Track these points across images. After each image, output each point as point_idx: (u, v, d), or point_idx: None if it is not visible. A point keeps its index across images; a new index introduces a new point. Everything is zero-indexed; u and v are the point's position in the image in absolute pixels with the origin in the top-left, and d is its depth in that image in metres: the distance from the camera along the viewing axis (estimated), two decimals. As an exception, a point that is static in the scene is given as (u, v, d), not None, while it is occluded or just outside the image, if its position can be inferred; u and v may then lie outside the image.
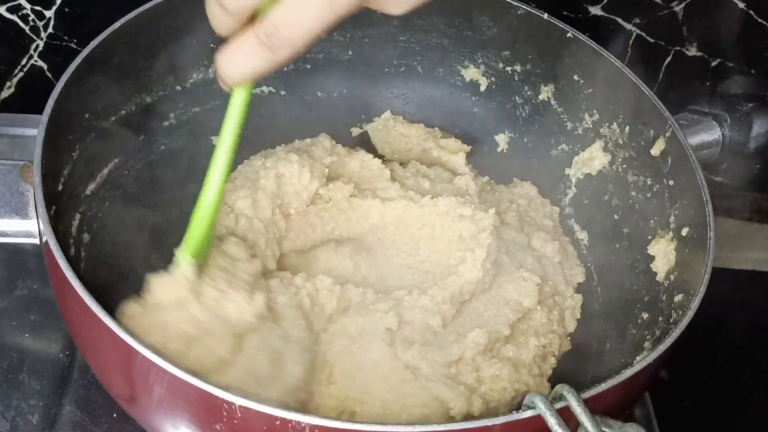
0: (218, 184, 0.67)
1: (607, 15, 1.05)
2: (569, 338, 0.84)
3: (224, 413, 0.57)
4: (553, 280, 0.87)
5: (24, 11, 0.99)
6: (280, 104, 0.97)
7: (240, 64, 0.58)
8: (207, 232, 0.69)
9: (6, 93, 1.06)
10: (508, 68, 0.96)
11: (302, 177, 0.85)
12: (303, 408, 0.71)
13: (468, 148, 0.98)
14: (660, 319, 0.76)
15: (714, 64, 1.08)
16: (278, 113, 0.97)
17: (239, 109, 0.63)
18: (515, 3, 0.90)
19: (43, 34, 1.01)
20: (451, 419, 0.71)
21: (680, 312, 0.72)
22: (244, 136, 0.65)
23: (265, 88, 0.96)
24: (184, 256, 0.68)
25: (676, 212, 0.80)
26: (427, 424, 0.56)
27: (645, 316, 0.80)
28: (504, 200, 0.93)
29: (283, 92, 0.97)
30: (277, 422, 0.56)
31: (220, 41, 0.90)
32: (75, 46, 1.02)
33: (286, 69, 0.96)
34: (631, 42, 1.07)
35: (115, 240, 0.82)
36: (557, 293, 0.86)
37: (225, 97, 0.93)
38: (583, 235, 0.92)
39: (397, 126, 0.98)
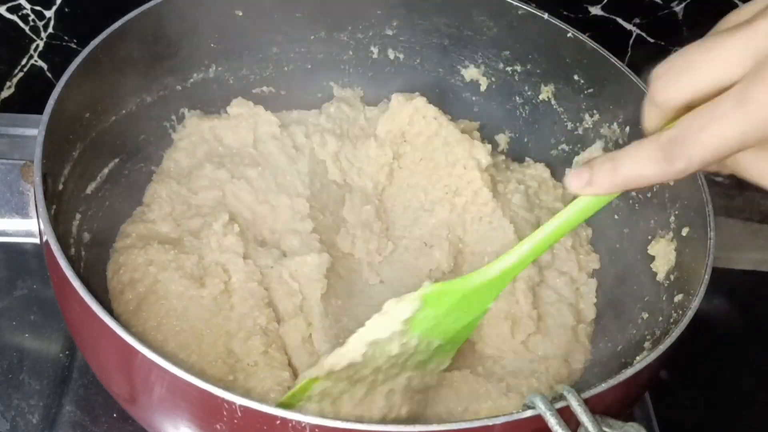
0: (509, 263, 0.62)
1: (607, 15, 1.05)
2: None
3: (224, 413, 0.57)
4: (567, 266, 0.87)
5: (24, 11, 0.99)
6: (280, 104, 0.97)
7: (635, 170, 0.51)
8: (460, 296, 0.63)
9: (6, 93, 1.06)
10: (509, 68, 0.96)
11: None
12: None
13: (477, 124, 0.98)
14: (660, 319, 0.76)
15: (714, 64, 1.08)
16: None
17: (574, 216, 0.58)
18: (515, 3, 0.90)
19: (43, 34, 1.01)
20: None
21: (680, 312, 0.72)
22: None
23: (265, 88, 0.96)
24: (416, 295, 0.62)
25: (676, 212, 0.80)
26: (427, 424, 0.56)
27: (645, 316, 0.80)
28: (513, 180, 0.93)
29: (283, 92, 0.97)
30: (277, 422, 0.56)
31: (221, 41, 0.90)
32: (75, 46, 1.02)
33: (286, 69, 0.96)
34: (631, 42, 1.07)
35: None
36: (573, 281, 0.86)
37: (225, 98, 0.94)
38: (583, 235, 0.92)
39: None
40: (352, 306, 0.81)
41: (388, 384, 0.65)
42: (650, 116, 0.53)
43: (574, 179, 0.55)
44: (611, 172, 0.52)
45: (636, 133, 0.85)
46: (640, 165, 0.51)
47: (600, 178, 0.53)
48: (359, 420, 0.64)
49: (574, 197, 0.58)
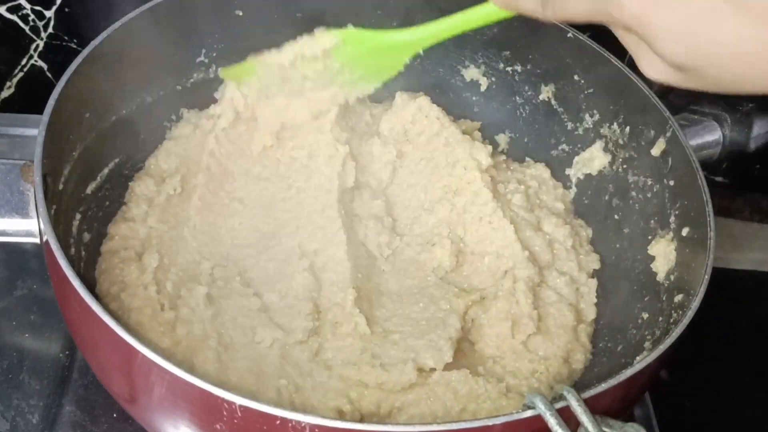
0: (424, 32, 0.75)
1: (607, 15, 1.05)
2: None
3: (224, 413, 0.57)
4: (567, 266, 0.86)
5: (24, 11, 0.99)
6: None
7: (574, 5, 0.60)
8: (375, 45, 0.78)
9: (6, 93, 1.06)
10: (509, 68, 0.96)
11: None
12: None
13: (477, 124, 0.99)
14: (660, 319, 0.76)
15: (714, 64, 1.08)
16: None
17: (476, 12, 0.70)
18: (515, 3, 0.90)
19: (43, 34, 1.01)
20: None
21: (680, 312, 0.72)
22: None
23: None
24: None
25: (677, 212, 0.80)
26: (427, 424, 0.57)
27: (645, 316, 0.80)
28: (513, 180, 0.93)
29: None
30: (277, 422, 0.56)
31: (221, 41, 0.90)
32: (75, 46, 1.02)
33: (286, 69, 0.97)
34: (631, 42, 1.07)
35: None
36: (573, 281, 0.86)
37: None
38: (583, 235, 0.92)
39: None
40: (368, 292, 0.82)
41: (316, 92, 0.82)
42: None
43: None
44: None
45: (636, 133, 0.86)
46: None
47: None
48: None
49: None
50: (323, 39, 0.79)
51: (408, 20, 0.95)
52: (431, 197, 0.89)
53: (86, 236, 0.79)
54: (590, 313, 0.84)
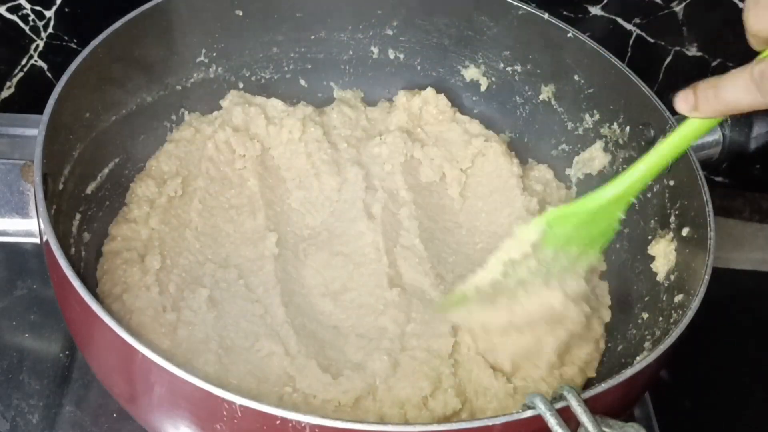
0: (628, 182, 0.70)
1: (607, 15, 1.05)
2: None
3: (224, 413, 0.57)
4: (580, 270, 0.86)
5: (24, 11, 0.99)
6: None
7: (734, 96, 0.59)
8: (584, 215, 0.72)
9: (6, 93, 1.06)
10: (509, 68, 0.96)
11: None
12: None
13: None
14: (660, 319, 0.76)
15: (714, 64, 1.08)
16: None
17: (684, 138, 0.65)
18: (515, 3, 0.90)
19: (43, 34, 1.01)
20: None
21: (680, 312, 0.72)
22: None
23: (265, 87, 0.96)
24: (542, 217, 0.73)
25: (677, 212, 0.80)
26: (427, 424, 0.56)
27: (645, 316, 0.80)
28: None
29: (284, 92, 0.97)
30: (277, 422, 0.56)
31: (221, 41, 0.90)
32: (75, 46, 1.02)
33: (286, 69, 0.96)
34: (631, 42, 1.07)
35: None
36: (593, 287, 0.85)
37: (223, 97, 0.94)
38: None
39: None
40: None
41: (539, 291, 0.73)
42: (751, 42, 0.60)
43: (681, 102, 0.62)
44: (714, 98, 0.60)
45: (636, 132, 0.86)
46: (737, 93, 0.58)
47: (703, 103, 0.61)
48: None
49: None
50: (529, 234, 0.73)
51: (408, 20, 0.95)
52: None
53: (86, 236, 0.79)
54: (606, 316, 0.84)
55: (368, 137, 0.94)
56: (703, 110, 0.61)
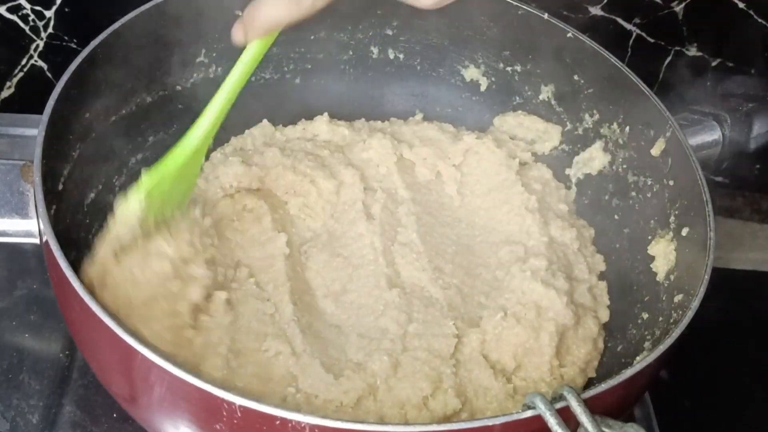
0: (204, 130, 0.70)
1: (607, 15, 1.05)
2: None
3: (224, 413, 0.57)
4: (577, 269, 0.86)
5: (24, 11, 0.99)
6: (282, 104, 0.97)
7: (268, 12, 0.64)
8: (174, 174, 0.71)
9: (6, 93, 1.06)
10: (509, 68, 0.96)
11: None
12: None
13: None
14: (660, 319, 0.76)
15: (714, 64, 1.08)
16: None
17: (247, 64, 0.68)
18: (515, 3, 0.90)
19: (43, 34, 1.01)
20: None
21: (680, 312, 0.72)
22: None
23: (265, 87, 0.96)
24: (138, 191, 0.69)
25: (676, 212, 0.80)
26: (427, 424, 0.56)
27: (645, 316, 0.80)
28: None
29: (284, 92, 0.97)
30: (277, 422, 0.56)
31: (221, 41, 0.90)
32: (75, 46, 1.02)
33: (286, 68, 0.96)
34: (631, 42, 1.07)
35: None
36: (583, 281, 0.85)
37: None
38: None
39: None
40: None
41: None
42: None
43: (236, 33, 0.68)
44: (257, 19, 0.65)
45: (636, 133, 0.86)
46: (274, 8, 0.64)
47: (250, 27, 0.66)
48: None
49: None
50: (130, 211, 0.69)
51: (408, 21, 0.95)
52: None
53: (87, 237, 0.79)
54: (604, 316, 0.84)
55: (351, 143, 0.93)
56: (253, 34, 0.66)
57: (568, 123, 0.94)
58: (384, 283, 0.80)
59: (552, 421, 0.56)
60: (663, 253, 0.81)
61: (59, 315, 0.72)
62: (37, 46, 1.02)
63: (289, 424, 0.56)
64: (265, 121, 0.94)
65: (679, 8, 1.04)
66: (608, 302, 0.85)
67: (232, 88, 0.71)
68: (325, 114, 0.95)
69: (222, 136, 0.90)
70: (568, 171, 0.95)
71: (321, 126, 0.94)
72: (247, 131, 0.93)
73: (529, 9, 0.90)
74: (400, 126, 0.97)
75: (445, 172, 0.92)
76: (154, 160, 0.88)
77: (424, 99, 1.00)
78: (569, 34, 0.89)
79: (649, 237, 0.83)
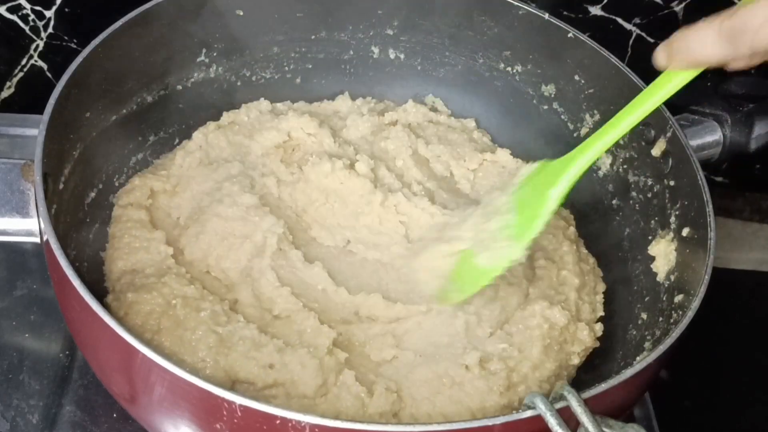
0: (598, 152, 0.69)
1: (607, 15, 1.05)
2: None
3: (224, 412, 0.57)
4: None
5: (24, 11, 0.99)
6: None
7: (700, 51, 0.60)
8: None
9: (6, 93, 1.06)
10: (509, 68, 0.96)
11: None
12: None
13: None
14: (660, 319, 0.76)
15: (714, 64, 1.08)
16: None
17: (662, 93, 0.65)
18: (516, 3, 0.90)
19: (43, 34, 1.01)
20: None
21: (680, 312, 0.72)
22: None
23: (265, 87, 0.96)
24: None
25: (677, 213, 0.80)
26: (426, 424, 0.56)
27: (645, 316, 0.80)
28: None
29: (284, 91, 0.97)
30: (277, 421, 0.56)
31: (221, 41, 0.90)
32: (75, 46, 1.03)
33: (286, 68, 0.97)
34: (631, 42, 1.07)
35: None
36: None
37: (226, 98, 0.94)
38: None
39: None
40: None
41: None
42: None
43: (659, 54, 0.63)
44: (684, 50, 0.60)
45: (637, 133, 0.86)
46: (707, 46, 0.59)
47: (676, 56, 0.61)
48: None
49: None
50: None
51: (409, 20, 0.95)
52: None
53: (87, 236, 0.79)
54: (600, 309, 0.85)
55: (377, 130, 0.94)
56: (677, 64, 0.62)
57: (568, 123, 0.94)
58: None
59: (552, 421, 0.56)
60: (663, 254, 0.81)
61: (59, 315, 0.73)
62: (37, 46, 1.02)
63: (289, 424, 0.56)
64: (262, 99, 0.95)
65: (679, 8, 1.04)
66: (602, 299, 0.85)
67: (644, 110, 0.68)
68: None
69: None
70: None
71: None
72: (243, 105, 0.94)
73: (529, 9, 0.90)
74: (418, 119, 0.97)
75: (457, 172, 0.92)
76: (154, 160, 0.89)
77: (424, 99, 1.01)
78: (569, 34, 0.89)
79: (650, 237, 0.83)
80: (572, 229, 0.90)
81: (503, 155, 0.93)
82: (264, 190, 0.85)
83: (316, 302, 0.78)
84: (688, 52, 0.60)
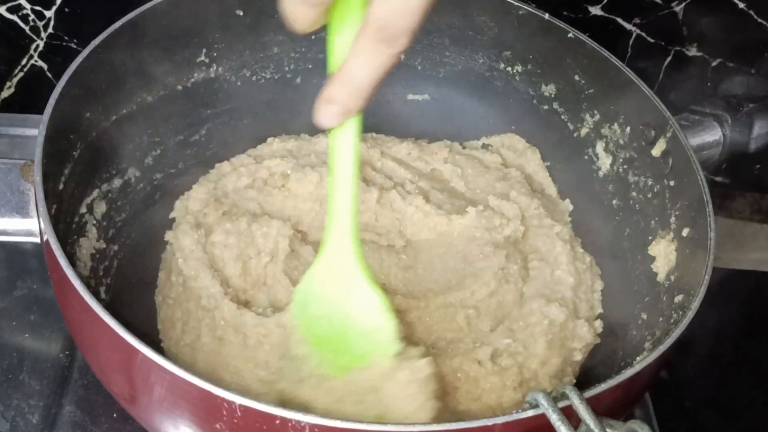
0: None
1: (607, 15, 1.05)
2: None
3: (224, 412, 0.57)
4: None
5: (24, 11, 0.99)
6: (281, 105, 0.97)
7: (364, 70, 0.52)
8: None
9: (6, 93, 1.06)
10: (509, 68, 0.96)
11: None
12: None
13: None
14: (660, 319, 0.76)
15: (714, 64, 1.08)
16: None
17: (351, 147, 0.58)
18: (516, 3, 0.90)
19: (43, 34, 1.01)
20: None
21: (680, 312, 0.72)
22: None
23: (266, 87, 0.96)
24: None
25: (677, 213, 0.80)
26: (426, 424, 0.56)
27: (645, 316, 0.80)
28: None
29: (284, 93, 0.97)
30: (277, 421, 0.56)
31: (221, 41, 0.90)
32: (75, 46, 1.02)
33: (287, 68, 0.96)
34: (631, 42, 1.07)
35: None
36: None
37: (226, 99, 0.94)
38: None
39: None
40: None
41: None
42: (298, 15, 0.53)
43: (324, 115, 0.53)
44: (351, 84, 0.51)
45: (637, 133, 0.86)
46: (369, 61, 0.51)
47: (345, 98, 0.51)
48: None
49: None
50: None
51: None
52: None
53: (87, 236, 0.79)
54: (597, 307, 0.85)
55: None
56: (351, 105, 0.53)
57: (568, 123, 0.94)
58: None
59: (554, 417, 0.56)
60: (663, 254, 0.81)
61: (59, 315, 0.72)
62: (37, 46, 1.02)
63: (289, 424, 0.56)
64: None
65: (679, 8, 1.04)
66: (601, 296, 0.86)
67: (351, 193, 0.63)
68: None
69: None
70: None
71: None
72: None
73: (529, 9, 0.90)
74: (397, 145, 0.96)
75: (444, 168, 0.92)
76: (154, 159, 0.89)
77: (424, 99, 1.00)
78: (569, 34, 0.89)
79: (650, 237, 0.83)
80: (566, 229, 0.89)
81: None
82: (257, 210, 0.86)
83: None
84: (356, 86, 0.52)
